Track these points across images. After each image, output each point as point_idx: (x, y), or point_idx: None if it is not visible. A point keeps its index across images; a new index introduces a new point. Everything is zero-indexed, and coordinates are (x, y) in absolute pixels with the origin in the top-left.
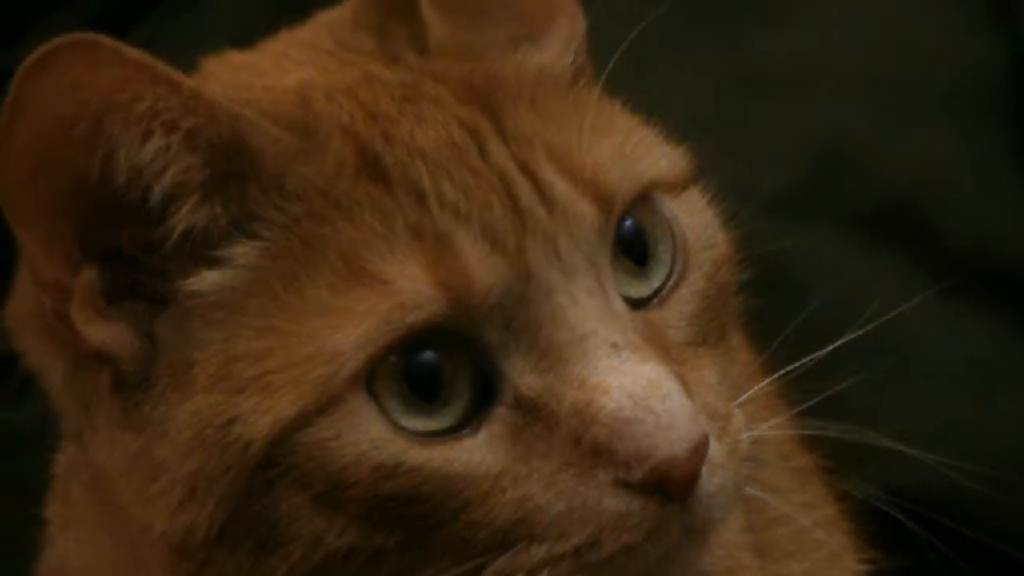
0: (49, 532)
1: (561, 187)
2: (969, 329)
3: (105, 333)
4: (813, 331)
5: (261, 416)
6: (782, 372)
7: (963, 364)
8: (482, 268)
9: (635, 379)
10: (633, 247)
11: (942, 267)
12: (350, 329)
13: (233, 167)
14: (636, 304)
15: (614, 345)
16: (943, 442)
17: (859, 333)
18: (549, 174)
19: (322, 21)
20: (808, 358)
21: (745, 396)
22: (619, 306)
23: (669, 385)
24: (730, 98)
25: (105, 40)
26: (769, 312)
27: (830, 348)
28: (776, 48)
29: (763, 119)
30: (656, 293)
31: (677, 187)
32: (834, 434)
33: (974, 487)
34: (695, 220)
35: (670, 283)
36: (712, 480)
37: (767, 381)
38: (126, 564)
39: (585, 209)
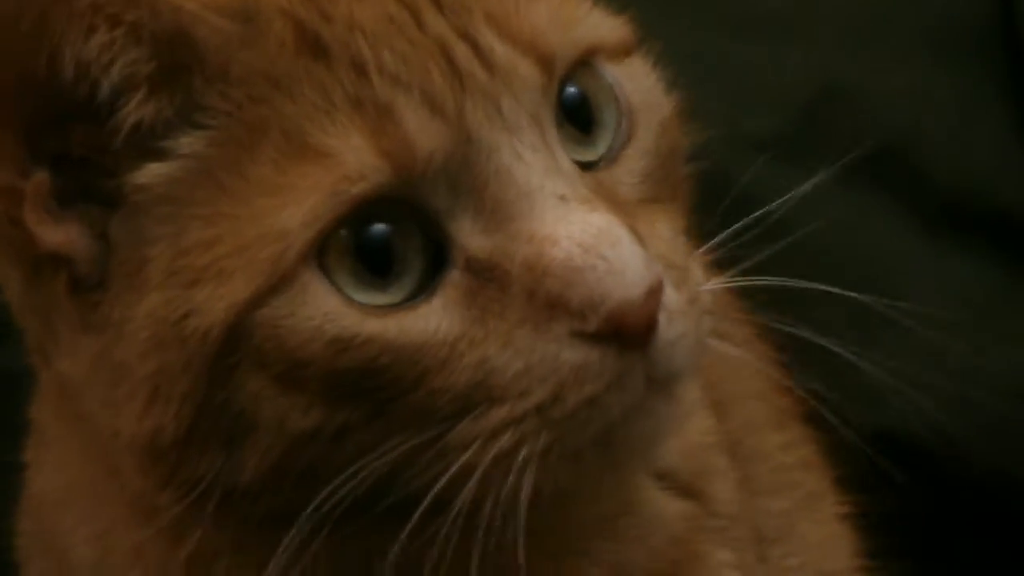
0: (28, 474)
1: (500, 50)
2: (958, 269)
3: (59, 235)
4: (798, 272)
5: (215, 303)
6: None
7: (952, 304)
8: (423, 134)
9: (584, 228)
10: (578, 114)
11: (931, 207)
12: (296, 206)
13: (177, 59)
14: (585, 168)
15: (562, 197)
16: (933, 382)
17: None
18: (488, 38)
19: None
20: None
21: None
22: (565, 163)
23: (619, 232)
24: (720, 41)
25: None
26: (754, 251)
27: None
28: None
29: (752, 62)
30: (603, 157)
31: (619, 53)
32: (807, 335)
33: (963, 427)
34: (638, 84)
35: (617, 145)
36: (671, 327)
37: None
38: (100, 475)
39: (526, 69)
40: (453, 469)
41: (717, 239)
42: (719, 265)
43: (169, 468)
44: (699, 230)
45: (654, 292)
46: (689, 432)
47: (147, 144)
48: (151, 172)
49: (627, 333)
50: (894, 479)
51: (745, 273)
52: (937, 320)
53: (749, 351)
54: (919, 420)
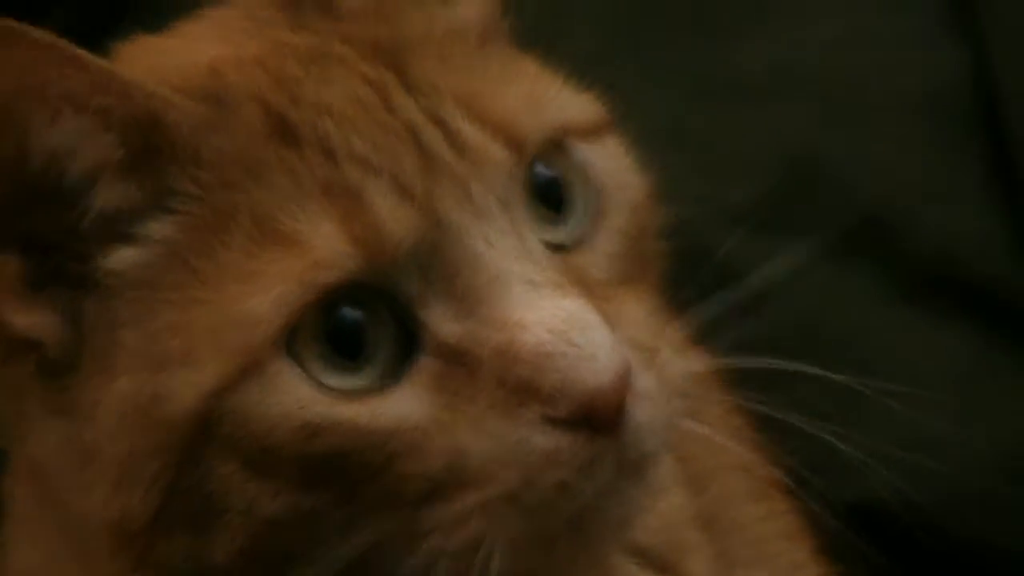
0: (3, 551)
1: (470, 132)
2: (940, 340)
3: (29, 320)
4: (778, 343)
5: (185, 389)
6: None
7: (934, 376)
8: (393, 219)
9: (554, 313)
10: (548, 194)
11: (912, 278)
12: (265, 293)
13: (148, 144)
14: (556, 249)
15: (531, 282)
16: (912, 457)
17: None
18: (458, 121)
19: (239, 2)
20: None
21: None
22: (535, 246)
23: (589, 317)
24: (698, 108)
25: (12, 23)
26: (736, 323)
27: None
28: (744, 59)
29: (731, 129)
30: (575, 238)
31: (590, 133)
32: (779, 415)
33: (943, 501)
34: (610, 165)
35: (587, 227)
36: (641, 410)
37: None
38: (70, 557)
39: (496, 152)
40: (422, 552)
41: (695, 313)
42: (697, 340)
43: (139, 551)
44: (676, 303)
45: (623, 377)
46: (663, 508)
47: (117, 229)
48: (121, 257)
49: (597, 418)
50: (871, 554)
51: (723, 347)
52: (918, 395)
53: (724, 427)
54: (897, 494)
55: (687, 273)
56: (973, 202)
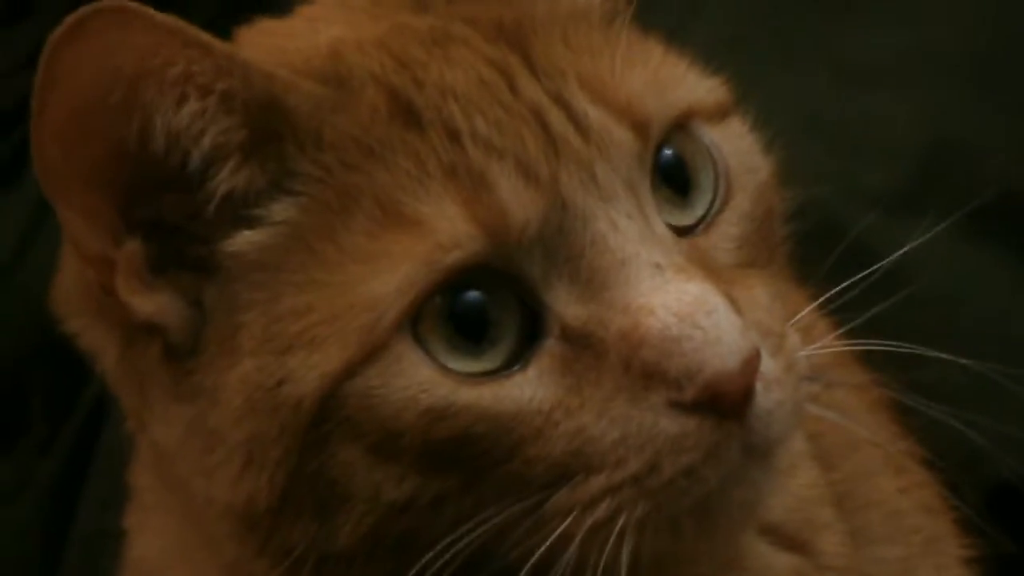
0: (128, 540)
1: (595, 115)
2: None
3: (152, 304)
4: (921, 326)
5: (308, 372)
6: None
7: None
8: (517, 202)
9: (679, 296)
10: (674, 176)
11: None
12: (390, 274)
13: (270, 126)
14: (681, 232)
15: (657, 266)
16: None
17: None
18: (582, 103)
19: None
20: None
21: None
22: (661, 229)
23: (715, 300)
24: (835, 94)
25: (134, 6)
26: (875, 306)
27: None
28: (879, 42)
29: (864, 113)
30: (700, 221)
31: (716, 115)
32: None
33: None
34: (736, 146)
35: (714, 209)
36: (768, 396)
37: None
38: (197, 542)
39: (621, 135)
40: (551, 539)
41: (829, 293)
42: (831, 319)
43: (263, 535)
44: (810, 283)
45: (750, 362)
46: (795, 486)
47: (239, 212)
48: (244, 240)
49: (724, 403)
50: (1001, 538)
51: (858, 328)
52: None
53: (859, 402)
54: None
55: (821, 253)
56: None
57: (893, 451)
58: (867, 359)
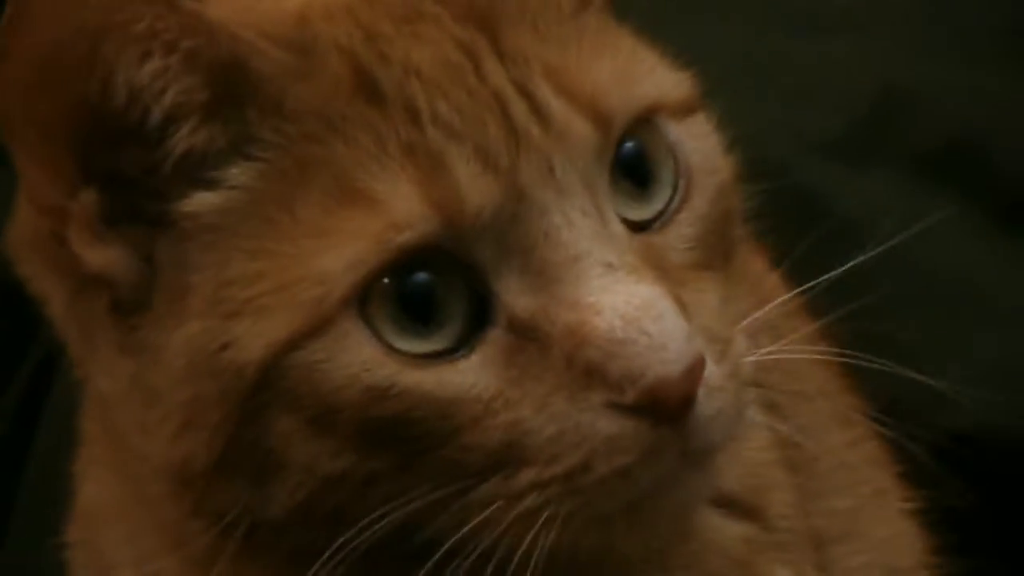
0: (76, 483)
1: (557, 106)
2: None
3: (103, 256)
4: (868, 272)
5: (253, 340)
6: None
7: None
8: (474, 187)
9: (628, 299)
10: (635, 169)
11: (1002, 204)
12: (341, 250)
13: (232, 88)
14: (638, 227)
15: (609, 265)
16: (1005, 382)
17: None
18: (546, 93)
19: None
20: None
21: (763, 311)
22: (616, 227)
23: (663, 305)
24: (781, 40)
25: None
26: (824, 253)
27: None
28: None
29: (815, 61)
30: (658, 216)
31: (681, 111)
32: (862, 363)
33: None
34: (699, 145)
35: (672, 206)
36: (710, 403)
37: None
38: (133, 499)
39: (582, 128)
40: (475, 521)
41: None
42: (789, 272)
43: (197, 496)
44: (765, 236)
45: (693, 369)
46: (746, 451)
47: (197, 172)
48: (200, 200)
49: (663, 408)
50: (962, 477)
51: (814, 277)
52: (1010, 317)
53: (812, 350)
54: (991, 421)
55: (771, 203)
56: None
57: (840, 403)
58: (816, 310)
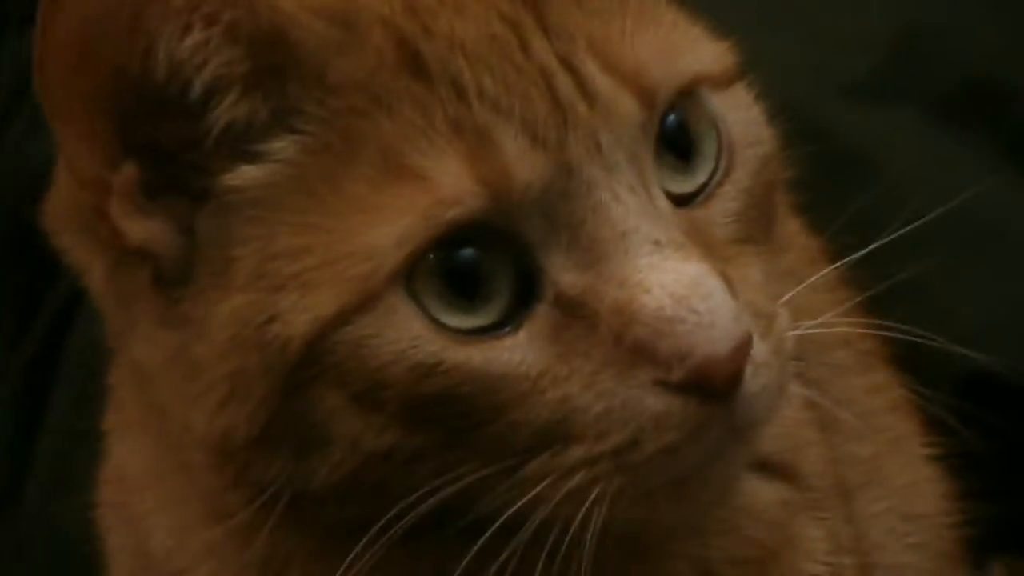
0: (107, 443)
1: (603, 82)
2: None
3: (145, 229)
4: (889, 212)
5: (300, 314)
6: (848, 259)
7: None
8: (522, 163)
9: (677, 277)
10: (677, 142)
11: (1017, 144)
12: (389, 226)
13: (273, 60)
14: (680, 201)
15: (656, 242)
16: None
17: (935, 215)
18: (591, 68)
19: None
20: (874, 244)
21: (803, 284)
22: (662, 203)
23: (711, 283)
24: None
25: None
26: (844, 194)
27: (895, 234)
28: None
29: (835, 1)
30: (700, 190)
31: (722, 83)
32: (886, 333)
33: None
34: (740, 116)
35: (715, 179)
36: (756, 380)
37: (831, 268)
38: (171, 467)
39: (627, 104)
40: (524, 500)
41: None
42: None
43: (239, 468)
44: (791, 181)
45: (742, 348)
46: (783, 413)
47: (240, 145)
48: (244, 174)
49: (712, 386)
50: (984, 422)
51: (836, 220)
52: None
53: (833, 297)
54: (1013, 362)
55: (797, 145)
56: None
57: (861, 350)
58: (838, 252)
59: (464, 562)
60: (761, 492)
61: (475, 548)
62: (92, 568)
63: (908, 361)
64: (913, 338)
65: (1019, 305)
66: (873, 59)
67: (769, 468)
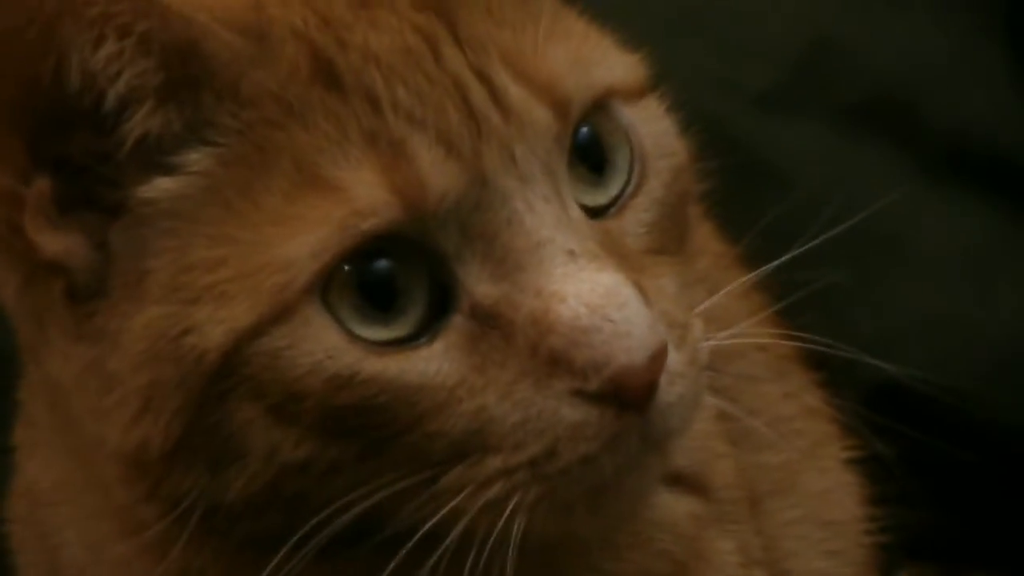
0: (17, 458)
1: (516, 92)
2: (957, 218)
3: (58, 243)
4: (799, 222)
5: (215, 326)
6: (762, 269)
7: (953, 253)
8: (437, 174)
9: (592, 287)
10: (590, 155)
11: (930, 156)
12: (304, 237)
13: (187, 72)
14: (594, 213)
15: (571, 252)
16: (936, 332)
17: (845, 227)
18: (504, 80)
19: None
20: (787, 255)
21: (718, 295)
22: (576, 214)
23: (626, 293)
24: None
25: None
26: (755, 204)
27: (807, 245)
28: None
29: (744, 12)
30: (614, 202)
31: (634, 95)
32: (797, 342)
33: (967, 374)
34: (652, 128)
35: (628, 191)
36: (671, 389)
37: (746, 277)
38: (83, 484)
39: (540, 115)
40: (443, 512)
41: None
42: (724, 229)
43: (153, 482)
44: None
45: (658, 357)
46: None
47: (154, 157)
48: (158, 186)
49: (628, 396)
50: (893, 430)
51: (749, 230)
52: (940, 268)
53: (747, 304)
54: (919, 375)
55: (702, 153)
56: (990, 78)
57: (775, 356)
58: (750, 260)
59: None
60: (673, 505)
61: (393, 563)
62: None
63: (819, 370)
64: (823, 348)
65: (927, 315)
66: (781, 71)
67: (681, 481)
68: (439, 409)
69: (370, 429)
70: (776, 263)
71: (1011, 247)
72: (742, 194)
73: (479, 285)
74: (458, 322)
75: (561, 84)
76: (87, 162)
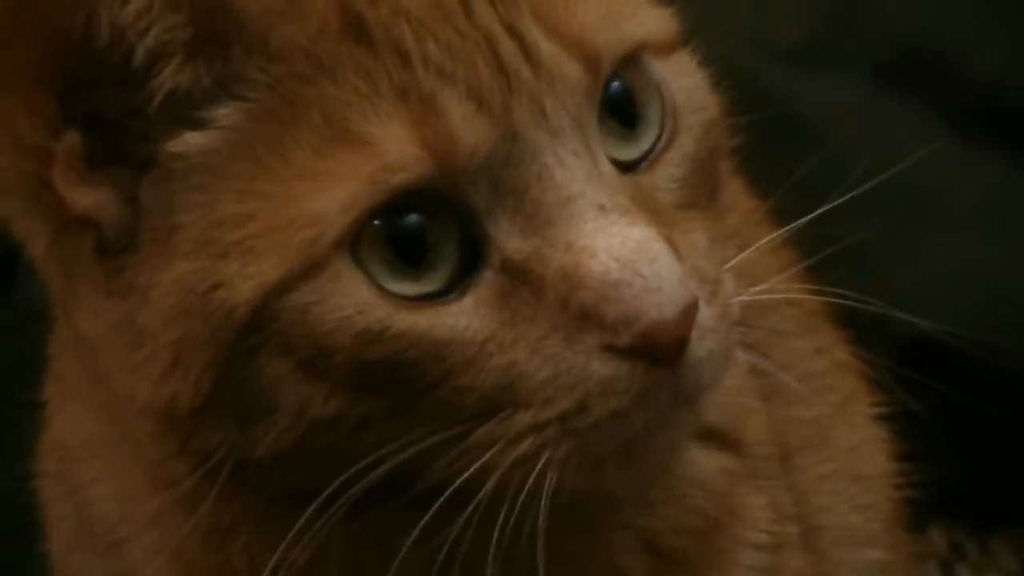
0: (47, 412)
1: (547, 47)
2: (989, 173)
3: (88, 198)
4: (830, 178)
5: (244, 281)
6: (793, 224)
7: (985, 208)
8: (467, 129)
9: (623, 241)
10: (621, 109)
11: (961, 110)
12: (334, 192)
13: (216, 27)
14: (625, 167)
15: (601, 207)
16: (967, 287)
17: (876, 182)
18: (535, 34)
19: None
20: (819, 210)
21: (748, 250)
22: (607, 168)
23: (657, 247)
24: None
25: None
26: (786, 159)
27: (839, 200)
28: None
29: None
30: (645, 156)
31: (665, 49)
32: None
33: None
34: (684, 83)
35: (659, 146)
36: (702, 344)
37: (776, 233)
38: (115, 439)
39: (571, 69)
40: (473, 467)
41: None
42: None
43: (183, 437)
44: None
45: (689, 312)
46: (726, 384)
47: (184, 112)
48: (187, 141)
49: (658, 351)
50: (924, 386)
51: (780, 185)
52: (971, 222)
53: (777, 259)
54: (954, 324)
55: (739, 110)
56: (1020, 33)
57: (805, 311)
58: (781, 216)
59: (413, 534)
60: (705, 461)
61: (424, 520)
62: (32, 538)
63: (850, 325)
64: (853, 303)
65: (958, 270)
66: (813, 25)
67: (712, 437)
68: (469, 364)
69: (400, 384)
70: (807, 218)
71: None
72: (773, 149)
73: (509, 240)
74: (488, 277)
75: (592, 38)
76: (117, 117)
